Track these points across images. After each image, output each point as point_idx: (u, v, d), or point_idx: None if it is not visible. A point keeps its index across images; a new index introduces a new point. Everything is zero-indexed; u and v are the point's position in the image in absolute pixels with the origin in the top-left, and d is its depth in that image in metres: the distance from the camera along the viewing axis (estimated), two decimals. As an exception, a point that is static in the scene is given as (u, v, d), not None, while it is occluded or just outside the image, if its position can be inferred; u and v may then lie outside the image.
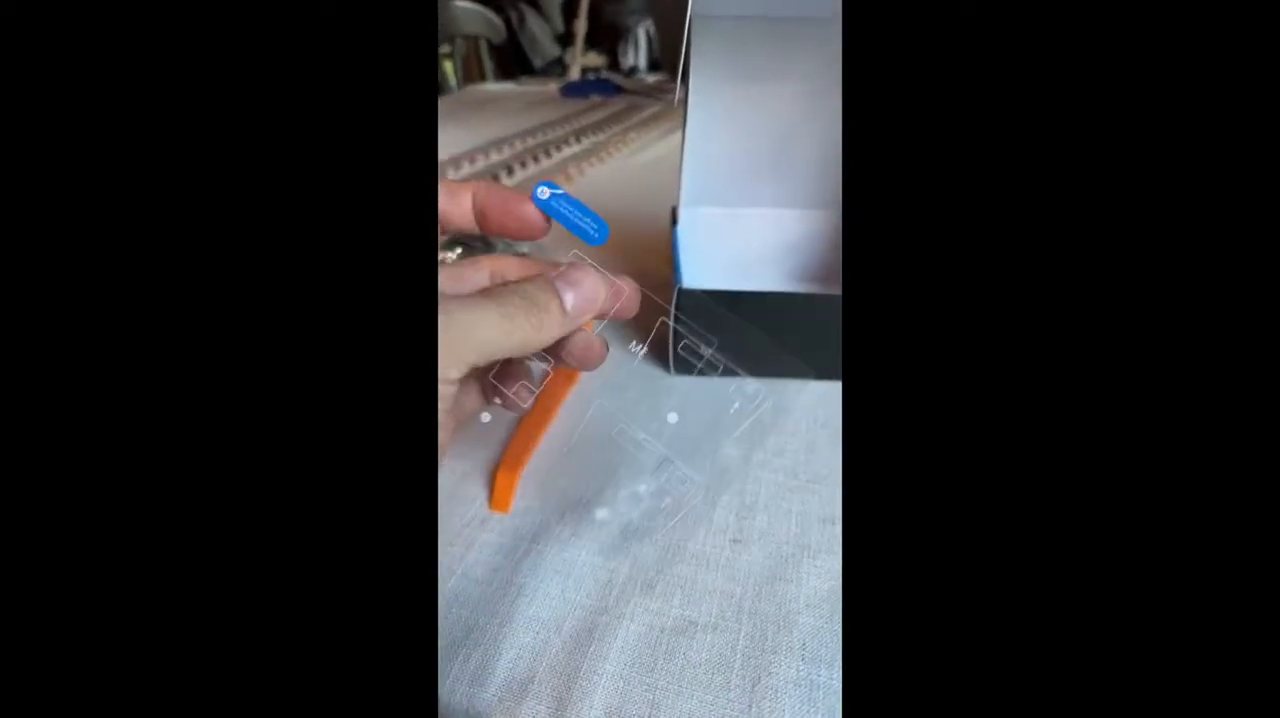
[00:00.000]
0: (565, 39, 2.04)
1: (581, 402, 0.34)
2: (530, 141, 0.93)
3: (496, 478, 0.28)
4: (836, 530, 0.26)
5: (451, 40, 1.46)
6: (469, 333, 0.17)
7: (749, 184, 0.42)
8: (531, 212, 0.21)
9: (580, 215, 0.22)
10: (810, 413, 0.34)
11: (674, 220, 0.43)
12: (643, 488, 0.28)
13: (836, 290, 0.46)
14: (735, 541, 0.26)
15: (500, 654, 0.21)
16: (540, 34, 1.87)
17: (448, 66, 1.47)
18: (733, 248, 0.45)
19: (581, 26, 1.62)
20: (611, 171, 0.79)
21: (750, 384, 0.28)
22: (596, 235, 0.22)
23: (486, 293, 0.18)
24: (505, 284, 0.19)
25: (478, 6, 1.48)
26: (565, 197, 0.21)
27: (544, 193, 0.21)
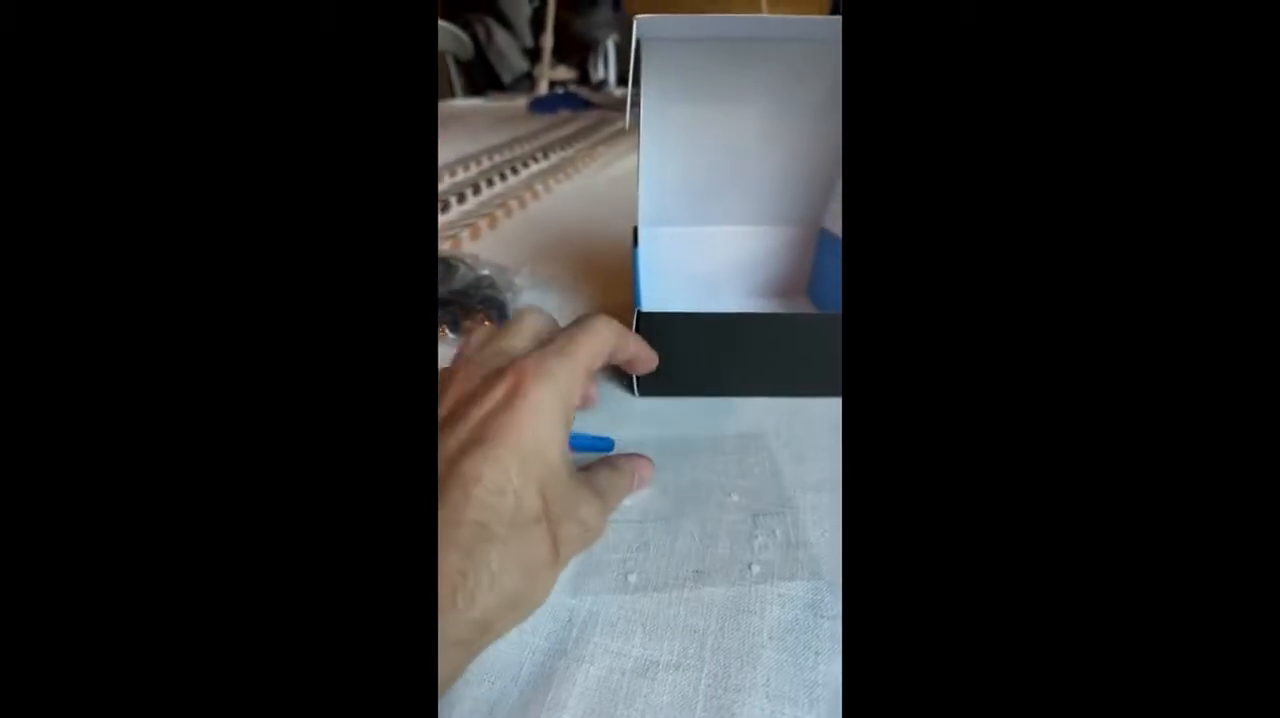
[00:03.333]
0: (534, 54, 2.04)
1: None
2: (497, 159, 0.93)
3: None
4: (801, 555, 0.26)
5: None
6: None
7: (708, 203, 0.42)
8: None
9: (592, 442, 0.31)
10: (774, 433, 0.33)
11: (635, 241, 0.43)
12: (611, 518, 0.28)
13: (803, 306, 0.47)
14: (698, 572, 0.25)
15: (452, 710, 0.20)
16: (508, 49, 1.87)
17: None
18: (694, 266, 0.45)
19: (548, 41, 1.62)
20: (577, 188, 0.79)
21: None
22: (606, 447, 0.31)
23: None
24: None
25: (445, 23, 1.48)
26: (576, 435, 0.30)
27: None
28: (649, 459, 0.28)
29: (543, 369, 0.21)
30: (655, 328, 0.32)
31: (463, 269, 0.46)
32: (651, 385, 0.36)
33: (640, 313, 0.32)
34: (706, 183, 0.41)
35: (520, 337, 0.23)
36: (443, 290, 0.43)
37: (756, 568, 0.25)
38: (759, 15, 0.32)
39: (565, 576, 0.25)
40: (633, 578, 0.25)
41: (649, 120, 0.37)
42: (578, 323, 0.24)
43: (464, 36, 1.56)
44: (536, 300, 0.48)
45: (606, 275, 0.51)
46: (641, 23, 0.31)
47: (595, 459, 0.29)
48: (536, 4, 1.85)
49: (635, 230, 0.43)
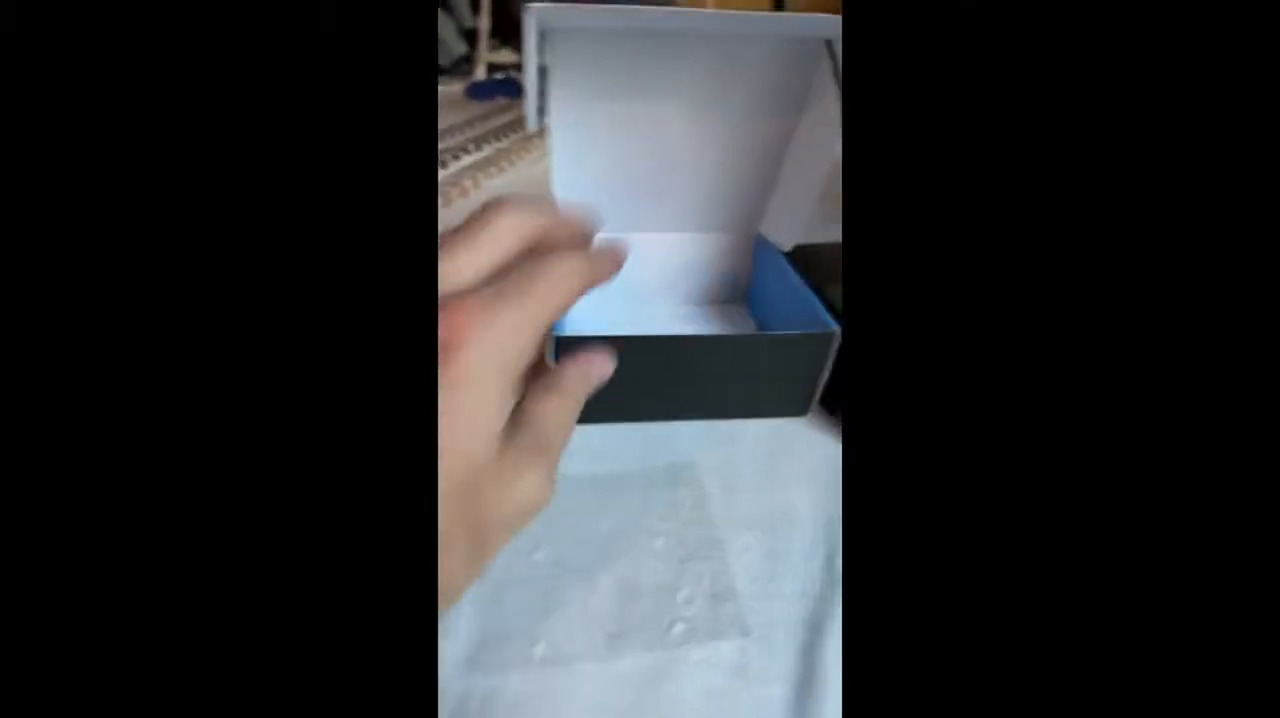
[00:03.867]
0: (472, 36, 1.95)
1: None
2: (425, 150, 0.87)
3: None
4: (728, 609, 0.24)
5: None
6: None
7: (633, 209, 0.39)
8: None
9: None
10: (705, 462, 0.31)
11: None
12: (512, 580, 0.25)
13: (740, 315, 0.44)
14: (613, 635, 0.23)
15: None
16: (445, 31, 1.78)
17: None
18: (624, 277, 0.42)
19: (484, 22, 1.55)
20: (509, 183, 0.75)
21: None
22: None
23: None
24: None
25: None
26: None
27: None
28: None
29: (487, 321, 0.16)
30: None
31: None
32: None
33: (558, 338, 0.29)
34: (630, 187, 0.38)
35: (476, 254, 0.18)
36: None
37: (679, 627, 0.23)
38: (677, 9, 0.29)
39: (458, 649, 0.22)
40: (539, 649, 0.22)
41: (561, 120, 0.33)
42: (543, 255, 0.18)
43: (394, 16, 1.47)
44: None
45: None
46: (539, 13, 0.28)
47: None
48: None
49: None
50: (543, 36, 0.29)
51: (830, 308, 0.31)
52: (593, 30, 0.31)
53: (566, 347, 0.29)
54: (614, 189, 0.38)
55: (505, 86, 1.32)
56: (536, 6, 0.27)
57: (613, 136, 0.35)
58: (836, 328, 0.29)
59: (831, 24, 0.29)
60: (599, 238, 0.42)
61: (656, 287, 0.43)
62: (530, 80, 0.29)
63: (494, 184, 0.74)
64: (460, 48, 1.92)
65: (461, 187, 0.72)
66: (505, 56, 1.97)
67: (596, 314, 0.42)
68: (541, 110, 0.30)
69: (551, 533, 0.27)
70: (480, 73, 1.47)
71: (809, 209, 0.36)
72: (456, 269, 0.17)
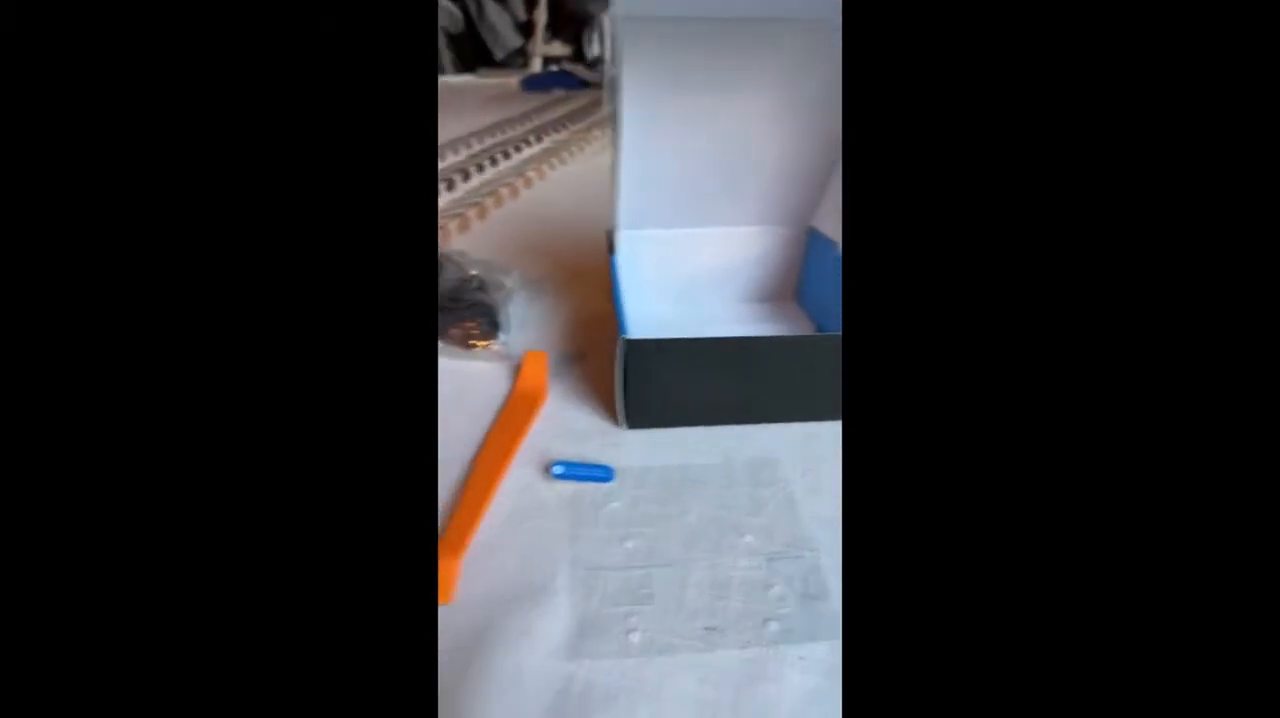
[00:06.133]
0: (526, 28, 1.96)
1: (526, 473, 0.30)
2: (489, 141, 0.88)
3: (439, 565, 0.24)
4: (822, 609, 0.23)
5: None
6: None
7: (693, 203, 0.38)
8: None
9: (589, 470, 0.29)
10: (790, 460, 0.31)
11: (611, 248, 0.39)
12: (605, 566, 0.25)
13: (792, 312, 0.43)
14: (709, 628, 0.23)
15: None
16: (500, 24, 1.80)
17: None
18: (675, 272, 0.41)
19: (541, 16, 1.56)
20: (570, 175, 0.75)
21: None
22: (605, 477, 0.29)
23: None
24: None
25: (432, -6, 1.41)
26: (571, 464, 0.29)
27: (559, 469, 0.29)
28: None
29: None
30: (646, 357, 0.29)
31: (450, 268, 0.43)
32: (643, 417, 0.32)
33: (628, 342, 0.29)
34: (692, 181, 0.37)
35: None
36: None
37: (774, 625, 0.23)
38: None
39: (558, 634, 0.22)
40: (635, 637, 0.22)
41: (630, 112, 0.33)
42: None
43: (454, 9, 1.50)
44: (525, 304, 0.44)
45: (594, 277, 0.48)
46: (627, 2, 0.28)
47: (587, 488, 0.26)
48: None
49: (610, 235, 0.39)
50: (618, 23, 0.29)
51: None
52: (669, 18, 0.30)
53: (635, 350, 0.29)
54: (676, 183, 0.37)
55: (562, 79, 1.33)
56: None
57: (681, 130, 0.35)
58: None
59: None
60: (659, 233, 0.41)
61: (712, 281, 0.43)
62: (609, 71, 0.29)
63: (557, 175, 0.75)
64: (515, 40, 1.94)
65: (526, 177, 0.72)
66: (556, 49, 1.98)
67: (653, 313, 0.41)
68: (615, 99, 0.30)
69: (640, 524, 0.27)
70: (536, 65, 1.48)
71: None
72: None
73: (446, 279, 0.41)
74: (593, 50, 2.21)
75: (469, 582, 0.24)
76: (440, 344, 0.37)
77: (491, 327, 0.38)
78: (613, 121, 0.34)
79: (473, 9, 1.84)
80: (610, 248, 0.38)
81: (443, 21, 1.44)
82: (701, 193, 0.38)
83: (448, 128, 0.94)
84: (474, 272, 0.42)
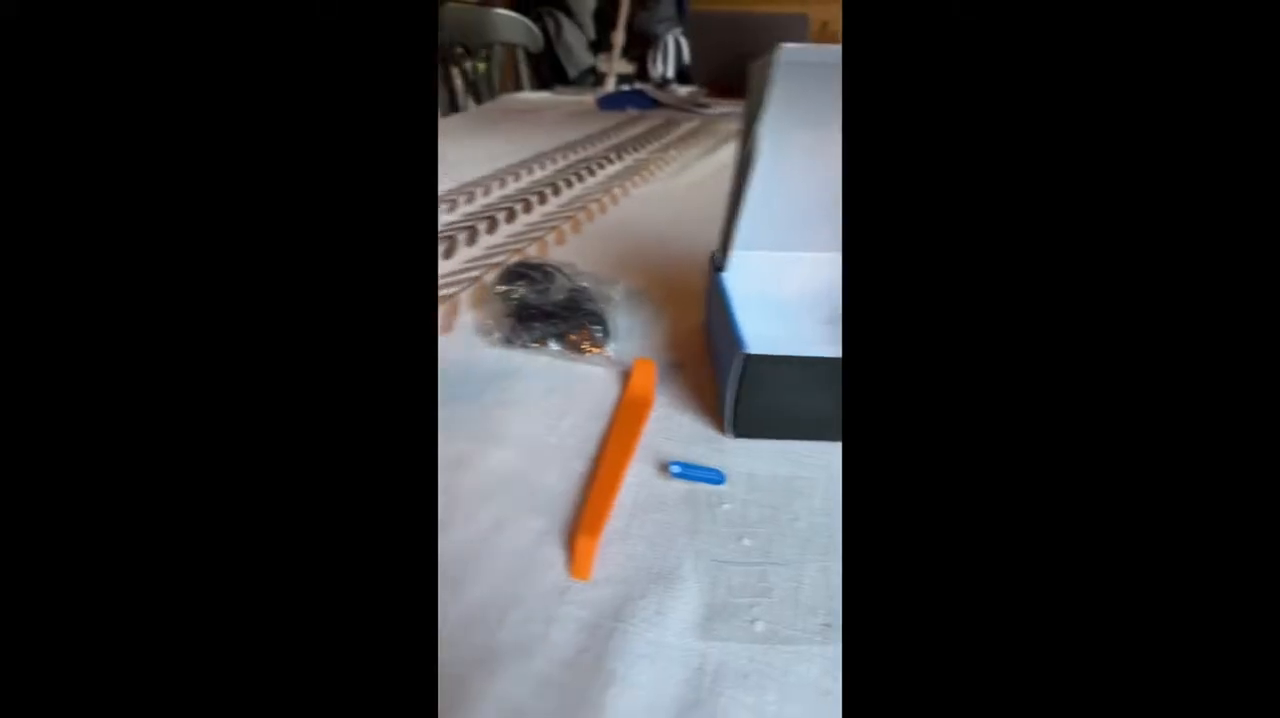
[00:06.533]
0: (596, 46, 2.04)
1: (644, 470, 0.33)
2: (572, 157, 0.93)
3: (577, 544, 0.27)
4: (932, 618, 0.25)
5: (490, 47, 1.46)
6: None
7: (800, 228, 0.41)
8: None
9: (704, 472, 0.31)
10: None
11: (715, 267, 0.41)
12: (726, 560, 0.27)
13: None
14: (826, 625, 0.25)
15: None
16: (576, 43, 1.87)
17: (481, 69, 1.47)
18: (769, 292, 0.44)
19: (619, 38, 1.62)
20: (655, 193, 0.79)
21: None
22: (718, 479, 0.31)
23: None
24: None
25: (519, 15, 1.49)
26: (687, 465, 0.32)
27: (676, 469, 0.31)
28: None
29: None
30: (761, 371, 0.31)
31: (560, 278, 0.46)
32: (750, 427, 0.34)
33: (748, 356, 0.31)
34: (801, 208, 0.40)
35: None
36: (544, 301, 0.43)
37: (887, 628, 0.25)
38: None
39: (688, 615, 0.25)
40: (759, 626, 0.24)
41: (771, 144, 0.36)
42: None
43: (535, 29, 1.57)
44: (631, 317, 0.47)
45: (685, 293, 0.51)
46: (787, 51, 0.31)
47: (700, 488, 0.28)
48: (605, 1, 1.85)
49: (713, 256, 0.42)
50: (774, 68, 0.32)
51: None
52: (817, 64, 0.33)
53: (753, 364, 0.31)
54: (793, 209, 0.40)
55: (636, 99, 1.37)
56: (789, 47, 0.30)
57: (803, 162, 0.38)
58: None
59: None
60: (762, 255, 0.43)
61: (801, 303, 0.45)
62: (753, 103, 0.32)
63: (640, 192, 0.78)
64: (588, 59, 2.02)
65: (612, 194, 0.76)
66: (622, 67, 2.04)
67: (753, 331, 0.43)
68: (755, 130, 0.33)
69: (753, 525, 0.29)
70: (610, 84, 1.54)
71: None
72: None
73: (559, 289, 0.45)
74: (656, 69, 2.27)
75: (604, 564, 0.27)
76: (557, 348, 0.41)
77: (603, 334, 0.41)
78: (740, 149, 0.36)
79: (552, 29, 1.93)
80: (716, 267, 0.41)
81: (524, 40, 1.52)
82: (806, 219, 0.41)
83: (534, 142, 1.00)
84: (584, 283, 0.46)
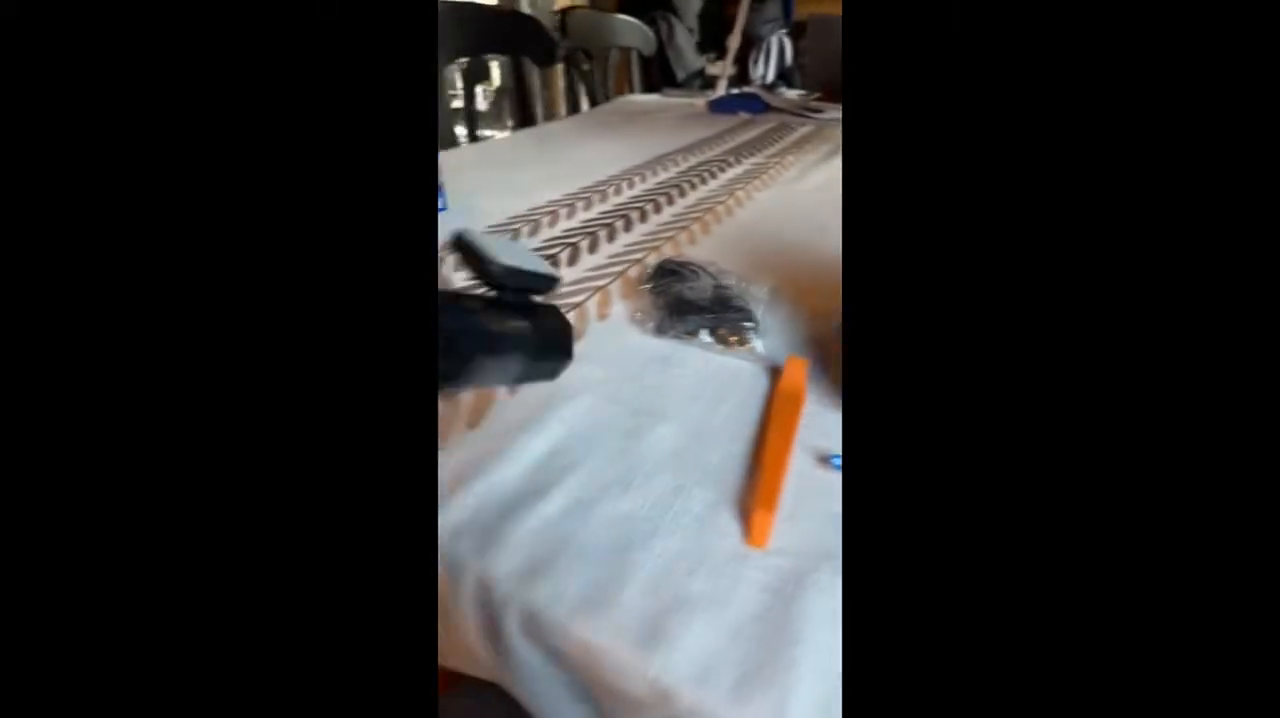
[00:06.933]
0: (701, 48, 2.06)
1: (803, 460, 0.35)
2: (692, 159, 0.96)
3: (755, 515, 0.29)
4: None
5: (607, 51, 1.52)
6: None
7: None
8: None
9: None
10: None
11: None
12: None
13: None
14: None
15: (795, 703, 0.23)
16: (686, 46, 1.90)
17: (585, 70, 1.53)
18: None
19: (735, 41, 1.63)
20: (778, 197, 0.80)
21: None
22: None
23: None
24: None
25: (634, 20, 1.54)
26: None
27: (838, 460, 0.33)
28: None
29: None
30: None
31: (705, 276, 0.49)
32: None
33: None
34: None
35: None
36: (694, 297, 0.46)
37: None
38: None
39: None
40: (931, 610, 0.26)
41: None
42: None
43: (649, 32, 1.62)
44: (773, 316, 0.49)
45: (820, 294, 0.52)
46: None
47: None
48: (711, 3, 1.86)
49: None
50: None
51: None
52: None
53: None
54: None
55: (748, 102, 1.38)
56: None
57: None
58: None
59: None
60: None
61: None
62: None
63: (763, 196, 0.80)
64: (698, 62, 2.04)
65: (736, 197, 0.78)
66: (721, 69, 2.05)
67: None
68: None
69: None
70: (721, 88, 1.56)
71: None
72: None
73: (705, 286, 0.48)
74: (757, 71, 2.26)
75: (778, 536, 0.29)
76: (708, 340, 0.44)
77: (752, 330, 0.44)
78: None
79: (664, 32, 1.97)
80: None
81: (639, 43, 1.57)
82: None
83: (653, 144, 1.04)
84: (729, 281, 0.48)
